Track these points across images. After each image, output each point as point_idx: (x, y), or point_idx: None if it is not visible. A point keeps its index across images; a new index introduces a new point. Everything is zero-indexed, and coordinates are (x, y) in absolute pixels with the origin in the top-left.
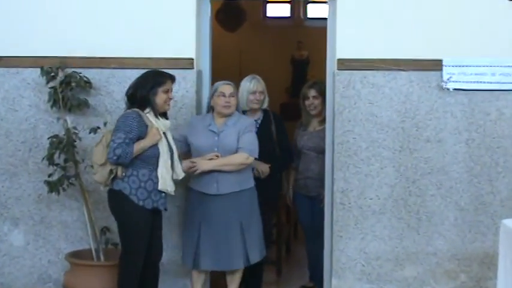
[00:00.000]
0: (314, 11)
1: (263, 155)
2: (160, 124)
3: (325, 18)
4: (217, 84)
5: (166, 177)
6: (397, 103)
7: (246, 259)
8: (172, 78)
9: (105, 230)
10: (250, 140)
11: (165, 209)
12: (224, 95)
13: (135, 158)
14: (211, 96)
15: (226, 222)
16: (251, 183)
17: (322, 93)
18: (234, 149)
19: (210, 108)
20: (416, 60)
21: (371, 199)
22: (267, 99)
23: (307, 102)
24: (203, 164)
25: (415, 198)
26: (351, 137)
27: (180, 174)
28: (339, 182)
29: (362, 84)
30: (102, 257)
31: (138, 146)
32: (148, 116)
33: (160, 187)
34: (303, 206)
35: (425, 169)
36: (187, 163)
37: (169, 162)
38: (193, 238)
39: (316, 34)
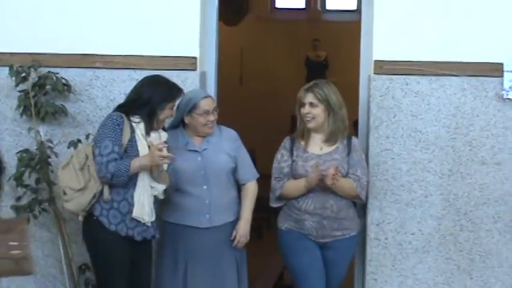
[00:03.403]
0: (334, 1)
1: None
2: (151, 138)
3: (349, 11)
4: (193, 96)
5: (144, 202)
6: (446, 116)
7: None
8: (181, 96)
9: (84, 268)
10: (249, 161)
11: (145, 239)
12: (208, 112)
13: None
14: (187, 111)
15: (220, 258)
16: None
17: (324, 100)
18: (223, 170)
19: (180, 123)
20: (470, 63)
21: (413, 234)
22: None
23: (302, 111)
24: (243, 230)
25: (467, 233)
26: (389, 157)
27: (159, 188)
28: (374, 212)
29: (403, 92)
30: None
31: (136, 164)
32: (134, 125)
33: (134, 214)
34: (311, 248)
35: (480, 198)
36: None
37: (148, 185)
38: (177, 283)
39: (336, 30)
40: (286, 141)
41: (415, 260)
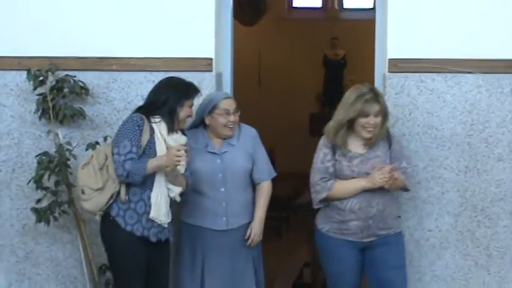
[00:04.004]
0: (352, 0)
1: None
2: (170, 140)
3: (366, 9)
4: (214, 97)
5: (161, 203)
6: (462, 113)
7: None
8: (198, 95)
9: (104, 268)
10: (266, 160)
11: (160, 240)
12: (228, 113)
13: None
14: (208, 111)
15: (237, 257)
16: None
17: (384, 109)
18: (243, 172)
19: (201, 124)
20: (485, 60)
21: (430, 231)
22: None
23: (363, 121)
24: (257, 228)
25: (485, 229)
26: None
27: (176, 190)
28: None
29: (419, 89)
30: None
31: (152, 164)
32: (154, 126)
33: (152, 215)
34: (347, 257)
35: (497, 194)
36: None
37: (165, 187)
38: (195, 279)
39: (354, 29)
40: (327, 140)
41: (433, 256)
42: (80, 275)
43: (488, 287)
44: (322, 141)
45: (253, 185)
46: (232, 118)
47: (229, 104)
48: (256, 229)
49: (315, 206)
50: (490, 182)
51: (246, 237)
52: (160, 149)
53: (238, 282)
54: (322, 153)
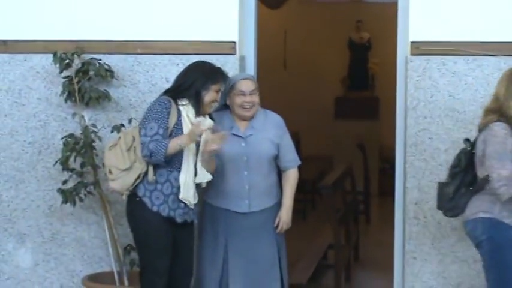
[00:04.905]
0: None
1: None
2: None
3: None
4: (233, 77)
5: (190, 185)
6: (484, 96)
7: (281, 283)
8: (226, 80)
9: (129, 248)
10: (292, 148)
11: (186, 221)
12: (243, 93)
13: None
14: (227, 93)
15: (260, 238)
16: (279, 193)
17: None
18: (265, 157)
19: (226, 106)
20: (507, 43)
21: None
22: None
23: None
24: (285, 217)
25: None
26: (426, 137)
27: (205, 177)
28: (412, 191)
29: (440, 72)
30: (126, 281)
31: (175, 143)
32: (181, 108)
33: (182, 196)
34: None
35: None
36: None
37: (193, 169)
38: (217, 259)
39: (379, 11)
40: (508, 127)
41: (454, 238)
42: (105, 255)
43: None
44: (505, 130)
45: (277, 169)
46: (247, 99)
47: (245, 85)
48: (284, 217)
49: (505, 198)
50: None
51: (275, 225)
52: (188, 130)
53: (261, 265)
54: (510, 143)
